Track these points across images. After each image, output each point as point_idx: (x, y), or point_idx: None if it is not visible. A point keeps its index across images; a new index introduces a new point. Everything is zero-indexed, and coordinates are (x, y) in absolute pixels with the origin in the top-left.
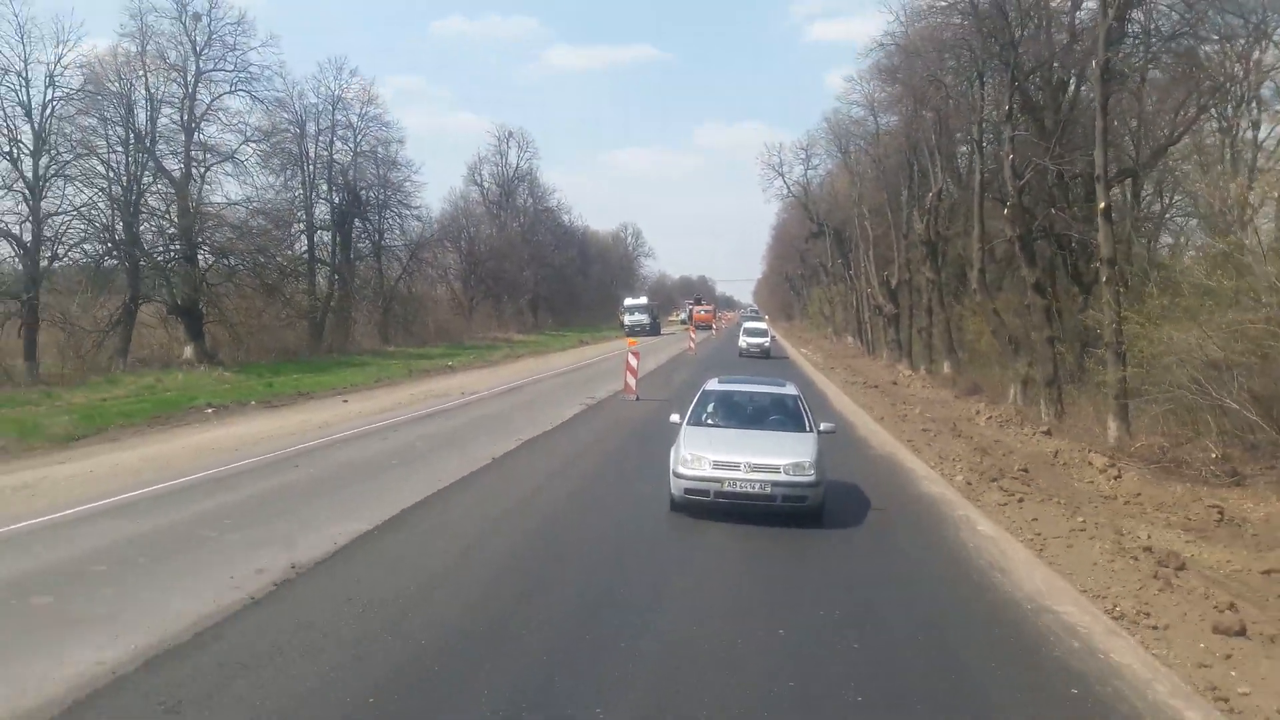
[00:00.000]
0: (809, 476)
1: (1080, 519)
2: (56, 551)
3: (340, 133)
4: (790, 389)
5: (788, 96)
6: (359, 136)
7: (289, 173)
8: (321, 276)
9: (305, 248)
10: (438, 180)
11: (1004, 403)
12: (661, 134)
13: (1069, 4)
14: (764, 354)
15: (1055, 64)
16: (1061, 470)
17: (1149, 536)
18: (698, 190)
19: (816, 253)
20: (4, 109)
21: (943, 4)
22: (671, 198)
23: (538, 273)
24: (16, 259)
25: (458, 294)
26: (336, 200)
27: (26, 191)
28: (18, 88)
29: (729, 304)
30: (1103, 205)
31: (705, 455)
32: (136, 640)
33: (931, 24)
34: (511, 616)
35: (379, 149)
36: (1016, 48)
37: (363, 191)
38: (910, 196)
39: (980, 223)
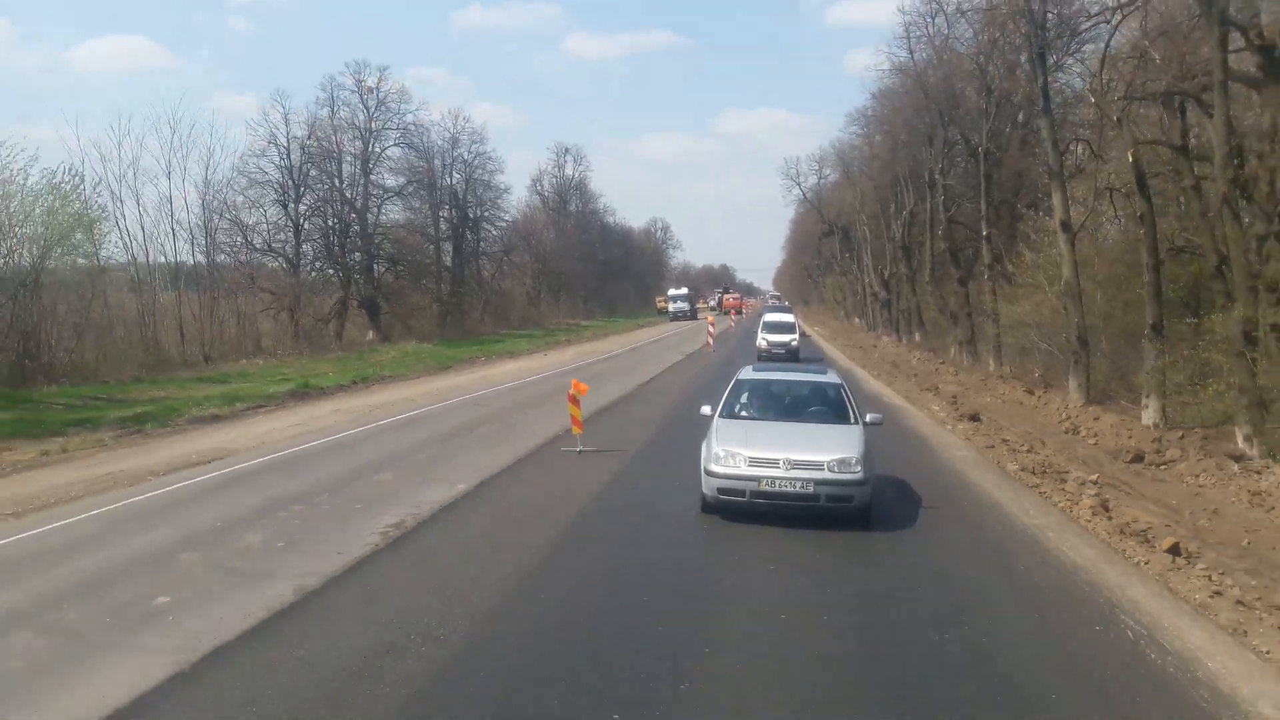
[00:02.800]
0: (856, 474)
1: (950, 396)
2: (399, 441)
3: (457, 165)
4: (832, 376)
5: (807, 81)
6: (470, 169)
7: (422, 196)
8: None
9: (432, 255)
10: None
11: (944, 354)
12: (682, 120)
13: (982, 100)
14: (791, 356)
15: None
16: (964, 380)
17: (986, 402)
18: (719, 176)
19: (828, 248)
20: (278, 169)
21: (901, 90)
22: (694, 183)
23: (589, 268)
24: (286, 273)
25: (528, 288)
26: (454, 217)
27: (292, 226)
28: (281, 154)
29: (750, 291)
30: (985, 233)
31: (740, 451)
32: (471, 479)
33: (896, 98)
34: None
35: (484, 176)
36: (945, 125)
37: (469, 210)
38: (895, 209)
39: (930, 238)
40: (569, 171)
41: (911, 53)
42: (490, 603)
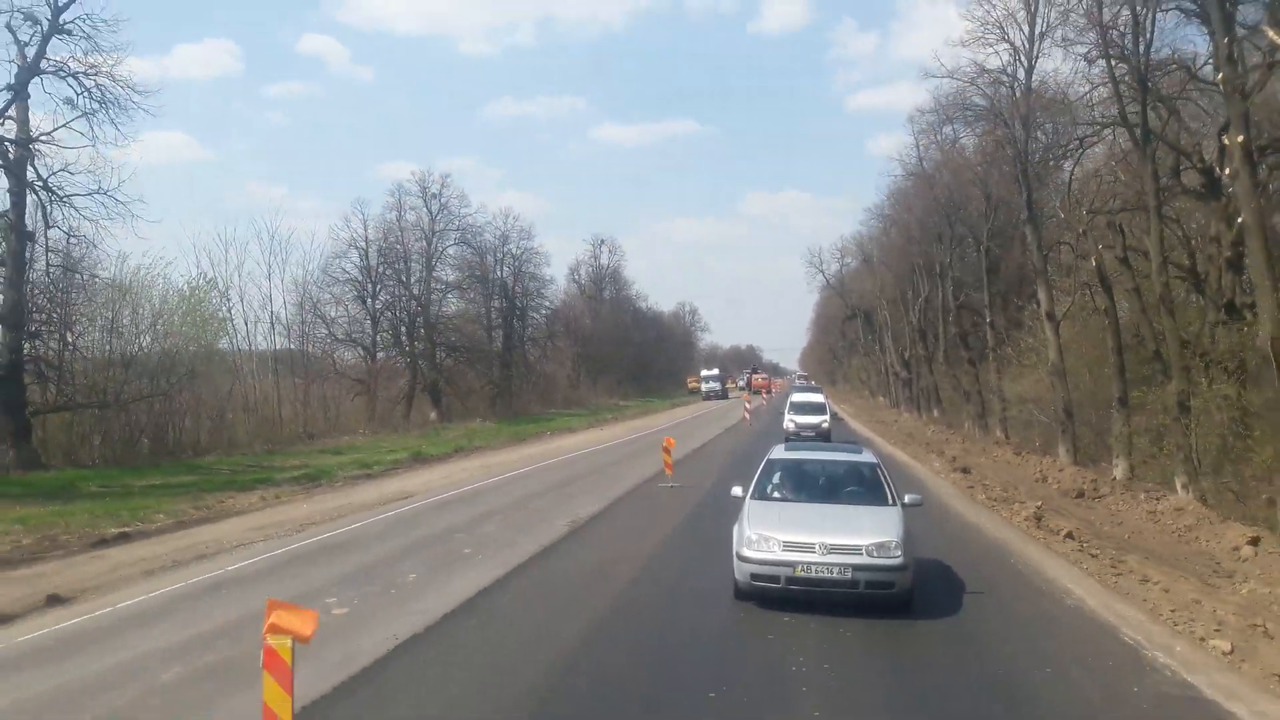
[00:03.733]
0: (896, 559)
1: (951, 457)
2: (529, 485)
3: (506, 259)
4: (868, 455)
5: (830, 164)
6: (519, 262)
7: (476, 289)
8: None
9: (486, 341)
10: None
11: (959, 428)
12: (709, 205)
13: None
14: (822, 439)
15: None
16: (968, 447)
17: (980, 462)
18: (744, 256)
19: (851, 330)
20: (357, 269)
21: (912, 191)
22: (720, 264)
23: (624, 351)
24: (364, 359)
25: (569, 371)
26: (503, 307)
27: (369, 318)
28: (360, 255)
29: (776, 371)
30: (989, 320)
31: (774, 535)
32: (602, 503)
33: (908, 198)
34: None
35: (530, 269)
36: (952, 224)
37: (517, 300)
38: (912, 296)
39: (943, 323)
40: (604, 260)
41: (921, 160)
42: (647, 552)
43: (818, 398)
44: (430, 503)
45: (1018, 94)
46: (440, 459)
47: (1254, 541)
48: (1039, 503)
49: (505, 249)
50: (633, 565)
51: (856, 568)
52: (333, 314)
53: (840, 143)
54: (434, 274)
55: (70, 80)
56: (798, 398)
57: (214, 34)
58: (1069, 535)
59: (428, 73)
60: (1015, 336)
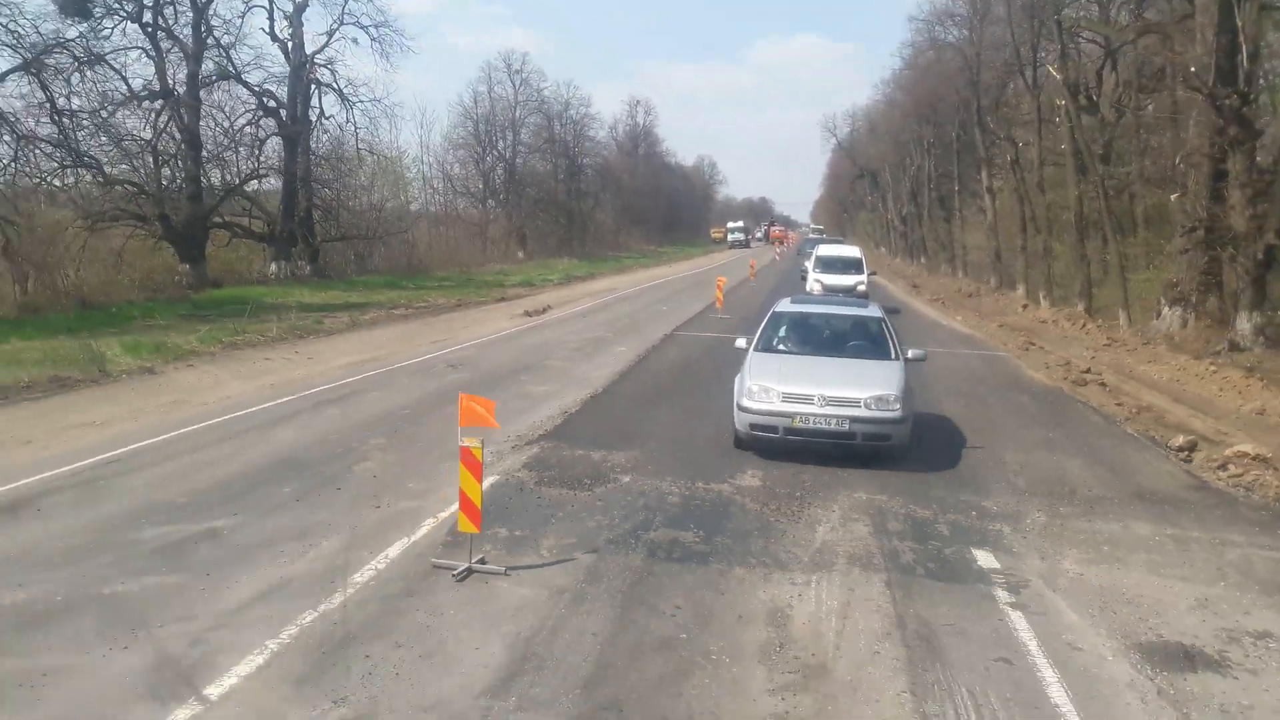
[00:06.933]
0: (894, 411)
1: (912, 282)
2: (657, 294)
3: (569, 124)
4: (874, 310)
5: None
6: (579, 126)
7: (543, 150)
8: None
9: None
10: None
11: (936, 269)
12: (720, 49)
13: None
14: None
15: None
16: (934, 279)
17: (930, 283)
18: (757, 108)
19: (860, 188)
20: (471, 136)
21: (906, 83)
22: (732, 115)
23: (657, 202)
24: (477, 208)
25: (613, 220)
26: (567, 164)
27: (480, 176)
28: (474, 126)
29: (789, 223)
30: (955, 188)
31: (774, 386)
32: (700, 305)
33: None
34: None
35: (588, 132)
36: (937, 111)
37: (576, 159)
38: (908, 163)
39: (927, 189)
40: (639, 120)
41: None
42: (748, 318)
43: (852, 252)
44: (619, 295)
45: (976, 36)
46: (583, 278)
47: (1025, 306)
48: (943, 298)
49: (568, 114)
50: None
51: (854, 419)
52: (457, 171)
53: None
54: (519, 138)
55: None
56: (826, 251)
57: None
58: (937, 301)
59: None
60: (974, 202)
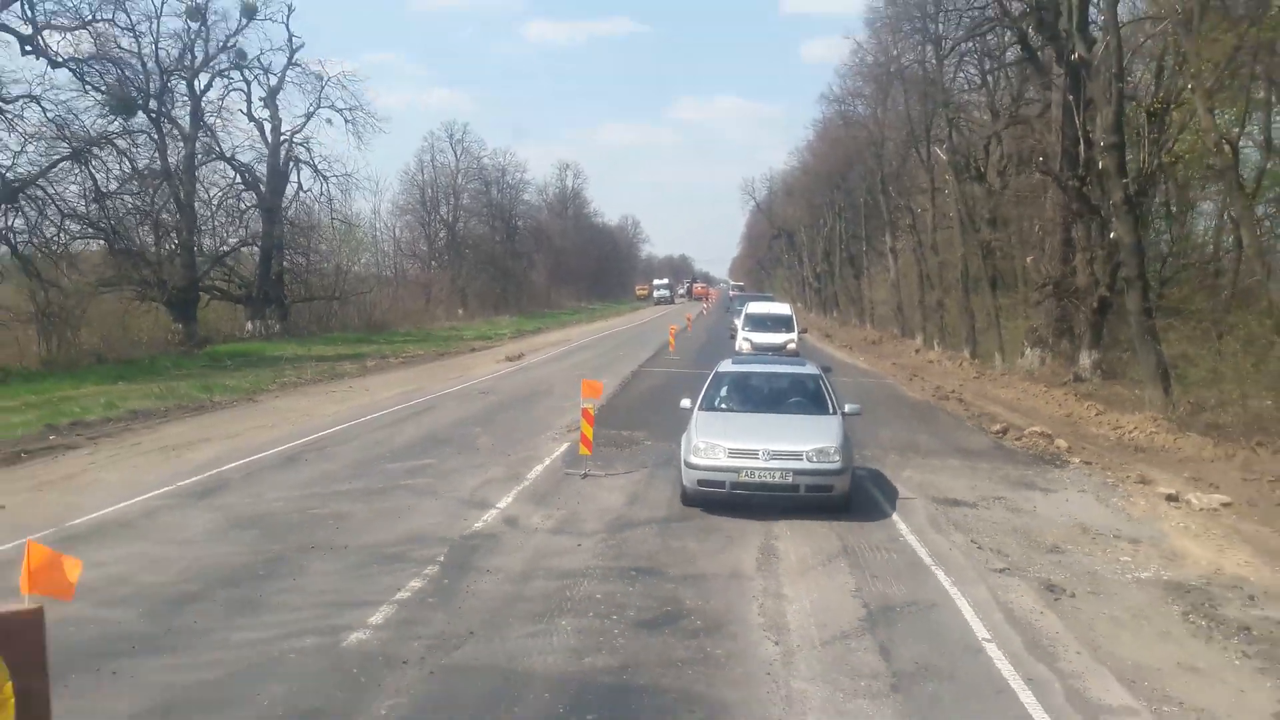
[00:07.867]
0: (834, 463)
1: (827, 334)
2: (603, 346)
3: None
4: (810, 368)
5: (764, 69)
6: (514, 191)
7: (483, 214)
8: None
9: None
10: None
11: (848, 323)
12: (640, 109)
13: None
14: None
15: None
16: (834, 328)
17: (842, 334)
18: (676, 164)
19: (777, 247)
20: (419, 204)
21: (819, 153)
22: (651, 172)
23: (584, 262)
24: (421, 268)
25: (544, 279)
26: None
27: (424, 239)
28: (419, 191)
29: (709, 280)
30: (864, 249)
31: (720, 443)
32: (649, 352)
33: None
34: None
35: (523, 197)
36: (846, 179)
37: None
38: (821, 224)
39: (838, 248)
40: (568, 183)
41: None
42: (694, 357)
43: (783, 309)
44: (577, 344)
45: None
46: (536, 332)
47: (918, 351)
48: (851, 345)
49: (504, 180)
50: (667, 373)
51: (797, 472)
52: (405, 235)
53: (775, 50)
54: (460, 203)
55: None
56: (756, 309)
57: None
58: (846, 347)
59: None
60: (880, 261)
